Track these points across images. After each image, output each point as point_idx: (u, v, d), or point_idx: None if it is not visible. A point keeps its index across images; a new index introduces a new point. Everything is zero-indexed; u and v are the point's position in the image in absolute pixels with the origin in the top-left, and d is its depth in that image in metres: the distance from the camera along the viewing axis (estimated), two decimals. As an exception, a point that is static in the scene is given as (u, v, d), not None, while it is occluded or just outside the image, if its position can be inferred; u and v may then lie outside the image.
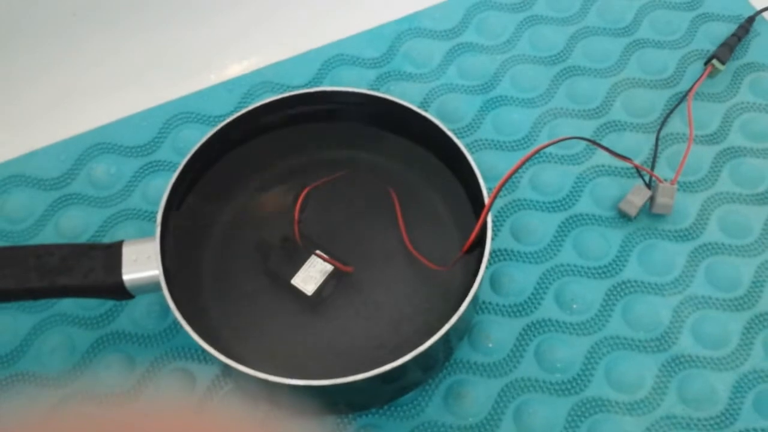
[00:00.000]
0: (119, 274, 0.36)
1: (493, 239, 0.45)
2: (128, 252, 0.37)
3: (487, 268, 0.44)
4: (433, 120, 0.41)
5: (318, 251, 0.41)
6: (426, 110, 0.50)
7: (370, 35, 0.53)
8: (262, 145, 0.43)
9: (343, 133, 0.44)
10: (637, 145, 0.48)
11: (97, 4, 0.52)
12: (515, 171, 0.39)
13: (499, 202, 0.46)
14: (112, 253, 0.37)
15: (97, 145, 0.49)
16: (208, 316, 0.40)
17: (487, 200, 0.38)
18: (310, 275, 0.40)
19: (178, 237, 0.39)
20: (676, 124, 0.49)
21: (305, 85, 0.51)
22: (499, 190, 0.38)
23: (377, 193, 0.43)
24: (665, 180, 0.46)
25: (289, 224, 0.41)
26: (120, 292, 0.37)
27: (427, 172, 0.43)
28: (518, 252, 0.45)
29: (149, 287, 0.37)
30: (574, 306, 0.43)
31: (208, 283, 0.41)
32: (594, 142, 0.44)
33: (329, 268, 0.40)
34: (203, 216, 0.42)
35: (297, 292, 0.40)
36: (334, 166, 0.44)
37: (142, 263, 0.37)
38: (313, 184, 0.42)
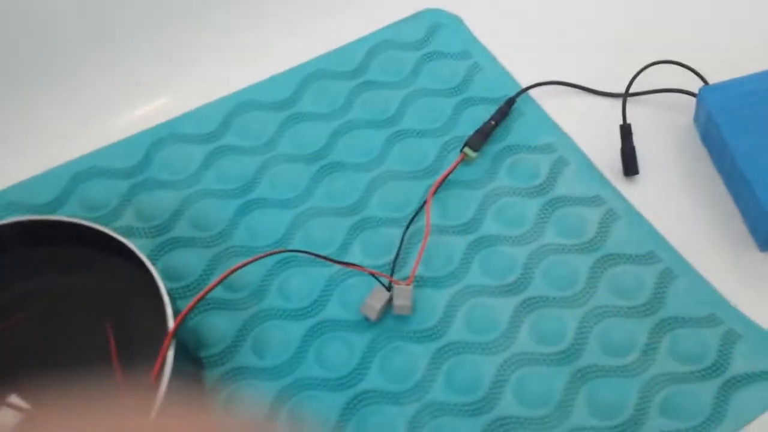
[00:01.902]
0: None
1: (232, 357, 0.43)
2: None
3: (224, 388, 0.42)
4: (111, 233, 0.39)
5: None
6: (180, 218, 0.49)
7: (124, 144, 0.51)
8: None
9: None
10: (390, 241, 0.47)
11: None
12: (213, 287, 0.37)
13: (241, 315, 0.45)
14: None
15: None
16: None
17: (171, 324, 0.36)
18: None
19: None
20: (433, 216, 0.48)
21: (49, 204, 0.49)
22: (189, 311, 0.36)
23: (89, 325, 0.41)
24: (402, 280, 0.44)
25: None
26: None
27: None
28: (258, 368, 0.43)
29: None
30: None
31: None
32: (319, 255, 0.43)
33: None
34: None
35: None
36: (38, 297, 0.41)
37: None
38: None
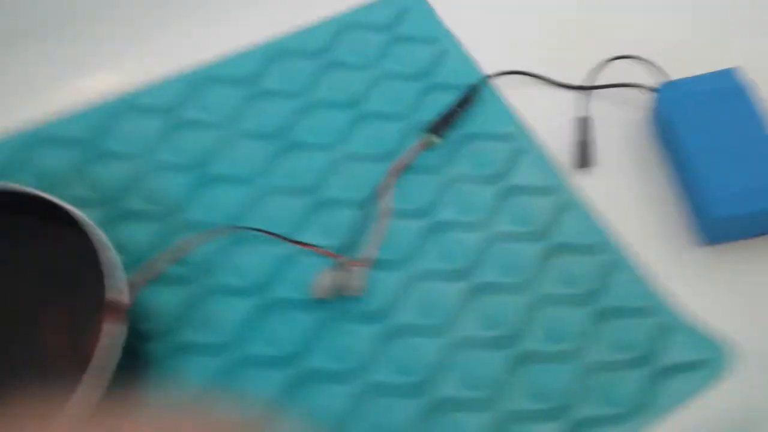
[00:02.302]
0: None
1: (180, 329, 0.43)
2: None
3: (168, 362, 0.42)
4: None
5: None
6: (133, 190, 0.48)
7: (79, 115, 0.51)
8: None
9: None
10: (347, 222, 0.47)
11: None
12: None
13: (189, 289, 0.45)
14: None
15: None
16: None
17: (123, 297, 0.36)
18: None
19: None
20: (392, 199, 0.48)
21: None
22: (143, 284, 0.36)
23: (35, 293, 0.41)
24: (357, 261, 0.44)
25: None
26: None
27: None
28: (204, 344, 0.43)
29: None
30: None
31: None
32: (272, 234, 0.43)
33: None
34: None
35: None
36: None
37: None
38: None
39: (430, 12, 0.57)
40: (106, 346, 0.35)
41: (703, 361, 0.41)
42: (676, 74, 0.49)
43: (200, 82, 0.53)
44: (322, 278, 0.44)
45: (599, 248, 0.45)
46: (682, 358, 0.41)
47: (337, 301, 0.44)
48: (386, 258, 0.46)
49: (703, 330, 0.42)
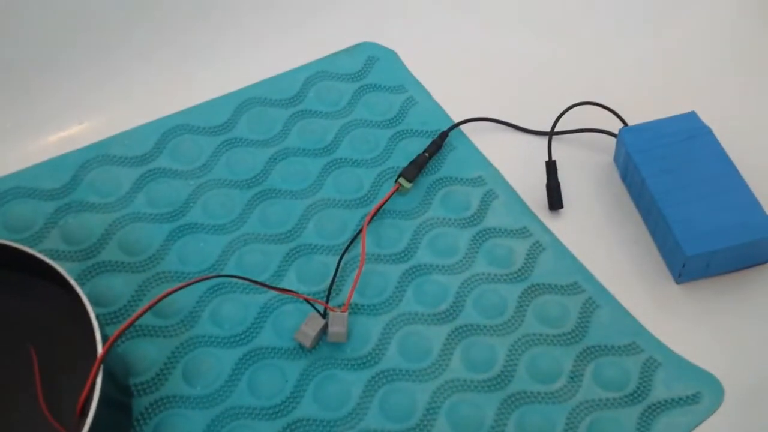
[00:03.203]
0: None
1: (162, 385, 0.42)
2: None
3: (153, 417, 0.41)
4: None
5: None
6: (108, 242, 0.47)
7: (51, 165, 0.50)
8: None
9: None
10: (325, 268, 0.47)
11: None
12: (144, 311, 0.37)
13: (171, 342, 0.44)
14: None
15: None
16: None
17: (100, 351, 0.35)
18: None
19: None
20: (368, 245, 0.49)
21: (-33, 224, 0.47)
22: (116, 338, 0.35)
23: (12, 348, 0.39)
24: (337, 307, 0.45)
25: None
26: None
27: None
28: (188, 397, 0.42)
29: None
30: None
31: None
32: (253, 281, 0.42)
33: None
34: None
35: None
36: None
37: None
38: None
39: (397, 62, 0.58)
40: (89, 401, 0.34)
41: (693, 395, 0.42)
42: (634, 119, 0.52)
43: (171, 130, 0.53)
44: (306, 326, 0.44)
45: (577, 288, 0.46)
46: (673, 394, 0.42)
47: (322, 348, 0.44)
48: (367, 303, 0.46)
49: (689, 365, 0.43)
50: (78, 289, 0.38)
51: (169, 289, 0.39)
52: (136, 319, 0.37)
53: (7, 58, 0.52)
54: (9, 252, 0.39)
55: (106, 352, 0.35)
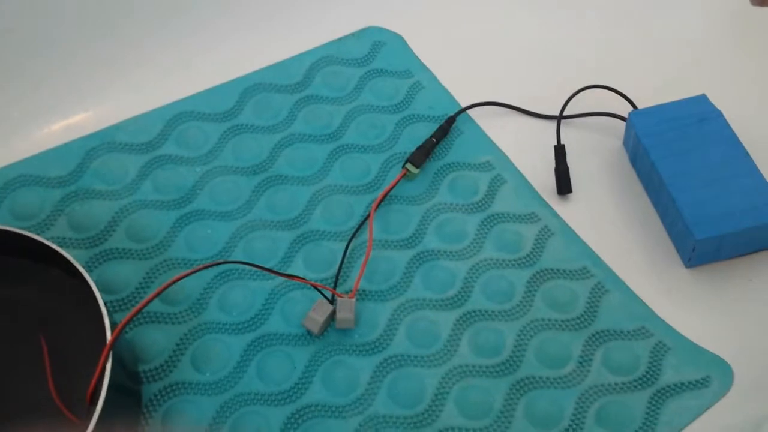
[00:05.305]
0: None
1: (171, 371, 0.42)
2: None
3: (162, 404, 0.41)
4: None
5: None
6: (115, 229, 0.47)
7: (57, 153, 0.50)
8: None
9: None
10: (332, 254, 0.47)
11: None
12: (149, 300, 0.37)
13: (180, 329, 0.44)
14: None
15: None
16: None
17: (109, 338, 0.35)
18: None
19: None
20: (376, 230, 0.48)
21: (-25, 212, 0.47)
22: (124, 325, 0.35)
23: (21, 336, 0.39)
24: (345, 293, 0.44)
25: None
26: None
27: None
28: (197, 383, 0.42)
29: None
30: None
31: None
32: (261, 267, 0.42)
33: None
34: None
35: None
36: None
37: None
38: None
39: (404, 46, 0.58)
40: (98, 389, 0.34)
41: (702, 379, 0.42)
42: (643, 103, 0.51)
43: (177, 117, 0.52)
44: (314, 312, 0.44)
45: (586, 272, 0.46)
46: (683, 378, 0.42)
47: (330, 334, 0.44)
48: (375, 289, 0.46)
49: (698, 349, 0.43)
50: (87, 275, 0.38)
51: (177, 276, 0.39)
52: (145, 305, 0.37)
53: (13, 47, 0.52)
54: (16, 239, 0.39)
55: (115, 339, 0.35)
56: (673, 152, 0.48)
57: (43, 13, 0.52)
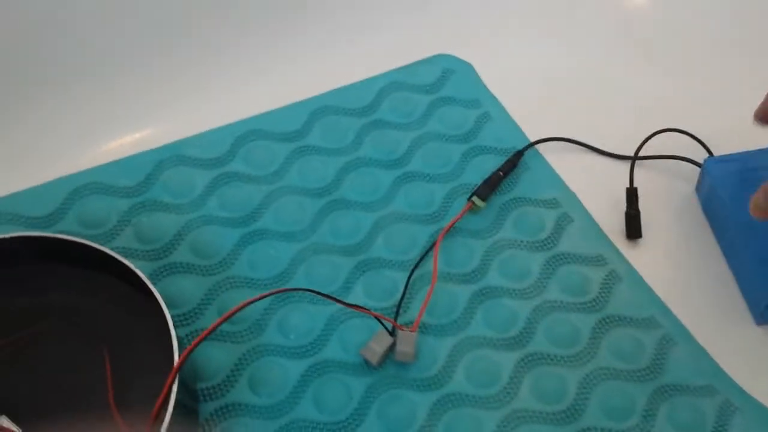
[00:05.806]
0: None
1: (228, 391, 0.42)
2: None
3: (218, 423, 0.41)
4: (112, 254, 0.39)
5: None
6: (180, 243, 0.47)
7: (127, 163, 0.50)
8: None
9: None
10: (393, 284, 0.47)
11: None
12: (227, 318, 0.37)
13: (239, 348, 0.43)
14: None
15: None
16: None
17: (176, 360, 0.35)
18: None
19: None
20: (438, 263, 0.48)
21: (45, 218, 0.47)
22: (194, 347, 0.35)
23: (84, 348, 0.40)
24: (405, 325, 0.44)
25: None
26: None
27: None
28: (252, 406, 0.42)
29: None
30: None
31: None
32: (324, 295, 0.42)
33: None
34: None
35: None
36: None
37: None
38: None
39: (473, 75, 0.57)
40: (161, 404, 0.34)
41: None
42: (720, 150, 0.50)
43: (245, 135, 0.52)
44: (374, 342, 0.43)
45: (654, 322, 0.45)
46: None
47: (388, 366, 0.43)
48: (435, 323, 0.45)
49: (767, 411, 0.42)
50: (153, 288, 0.39)
51: (246, 301, 0.38)
52: (213, 329, 0.36)
53: (90, 62, 0.52)
54: (89, 251, 0.39)
55: (183, 362, 0.35)
56: (747, 203, 0.46)
57: (120, 30, 0.53)
